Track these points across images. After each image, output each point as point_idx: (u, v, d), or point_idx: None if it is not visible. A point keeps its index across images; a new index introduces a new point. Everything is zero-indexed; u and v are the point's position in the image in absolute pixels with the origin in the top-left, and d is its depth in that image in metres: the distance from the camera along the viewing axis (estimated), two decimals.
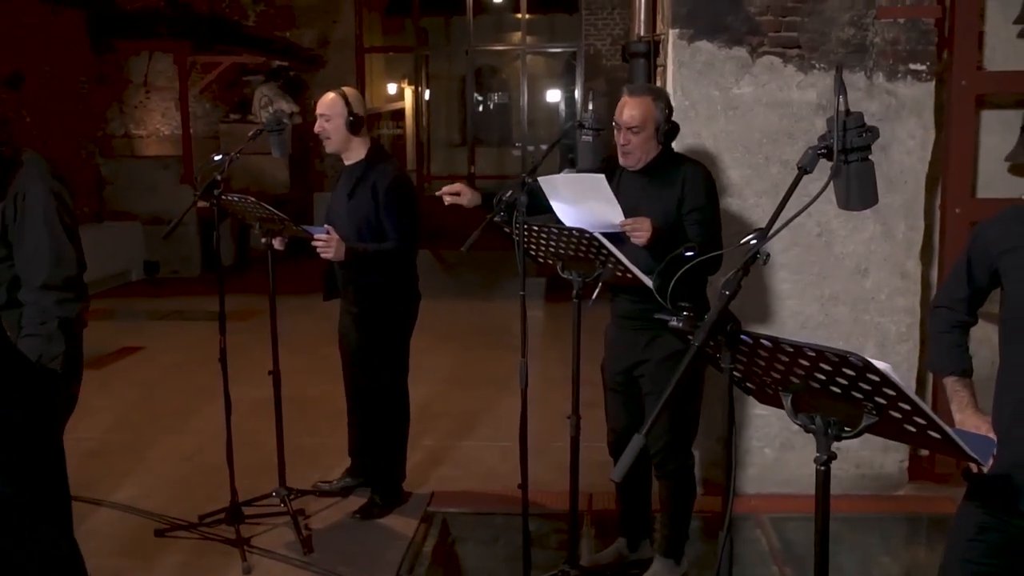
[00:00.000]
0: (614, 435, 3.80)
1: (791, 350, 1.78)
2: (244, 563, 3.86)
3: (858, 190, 1.96)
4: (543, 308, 9.34)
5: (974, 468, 2.50)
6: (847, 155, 1.93)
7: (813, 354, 1.74)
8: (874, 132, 1.94)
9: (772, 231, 1.87)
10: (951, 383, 2.57)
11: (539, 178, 3.34)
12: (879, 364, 1.65)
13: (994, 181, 4.55)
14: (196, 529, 4.16)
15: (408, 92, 17.54)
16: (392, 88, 17.28)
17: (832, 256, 4.36)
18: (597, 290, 3.33)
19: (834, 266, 4.37)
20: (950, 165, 4.42)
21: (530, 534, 3.69)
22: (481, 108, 18.57)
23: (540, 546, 4.14)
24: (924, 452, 4.66)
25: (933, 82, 4.28)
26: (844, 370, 1.73)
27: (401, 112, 17.22)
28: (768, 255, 1.88)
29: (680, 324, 1.90)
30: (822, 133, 2.02)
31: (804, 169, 1.97)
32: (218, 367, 4.14)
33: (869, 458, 4.48)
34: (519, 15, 16.73)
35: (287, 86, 13.03)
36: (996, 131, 4.56)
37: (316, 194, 13.08)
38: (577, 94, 15.40)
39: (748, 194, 4.34)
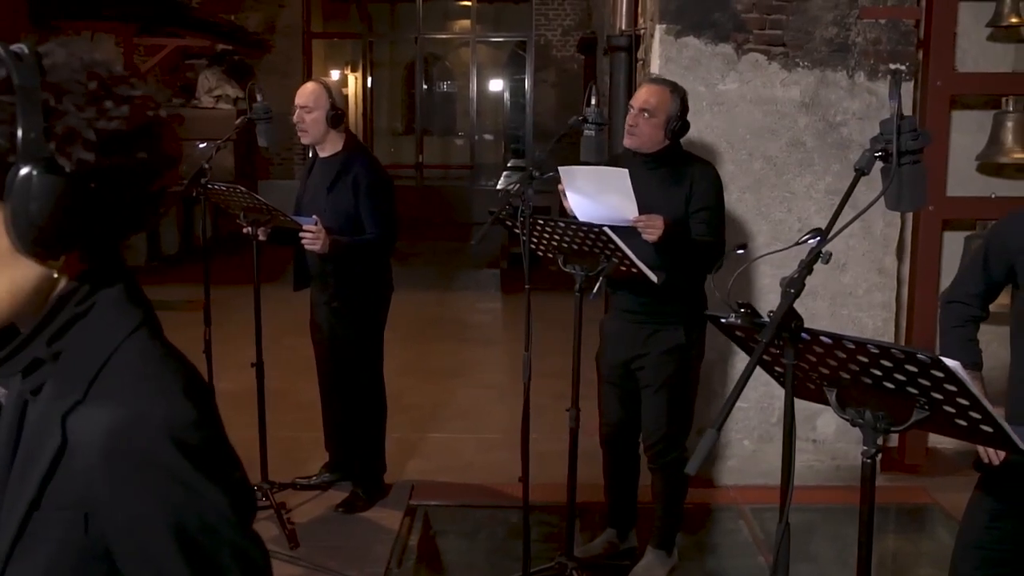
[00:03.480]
0: (608, 428, 3.83)
1: (852, 347, 1.81)
2: None
3: (909, 192, 2.00)
4: (501, 300, 9.34)
5: (985, 459, 2.58)
6: (900, 158, 1.96)
7: (876, 351, 1.78)
8: (926, 136, 1.98)
9: (832, 233, 1.90)
10: None
11: (560, 168, 3.35)
12: (949, 362, 1.69)
13: (963, 180, 4.69)
14: None
15: (352, 79, 17.35)
16: (335, 74, 17.07)
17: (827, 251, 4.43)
18: (599, 284, 3.33)
19: (829, 260, 4.44)
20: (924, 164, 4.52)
21: (519, 526, 3.69)
22: (425, 96, 18.49)
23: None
24: (894, 444, 4.78)
25: (912, 82, 4.38)
26: (907, 366, 1.77)
27: (344, 99, 17.02)
28: (831, 254, 1.91)
29: (736, 321, 1.91)
30: (874, 135, 2.05)
31: (862, 171, 2.01)
32: None
33: (844, 450, 4.57)
34: (464, 3, 16.67)
35: (231, 71, 12.79)
36: (965, 131, 4.69)
37: (261, 181, 12.88)
38: (527, 84, 15.40)
39: (732, 189, 4.39)
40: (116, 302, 1.08)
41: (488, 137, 19.21)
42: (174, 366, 1.08)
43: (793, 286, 1.80)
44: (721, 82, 4.37)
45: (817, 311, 4.49)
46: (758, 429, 4.58)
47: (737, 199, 4.41)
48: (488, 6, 17.31)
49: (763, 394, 4.42)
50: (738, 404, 4.68)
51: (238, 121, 4.04)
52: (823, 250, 1.87)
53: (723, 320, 1.97)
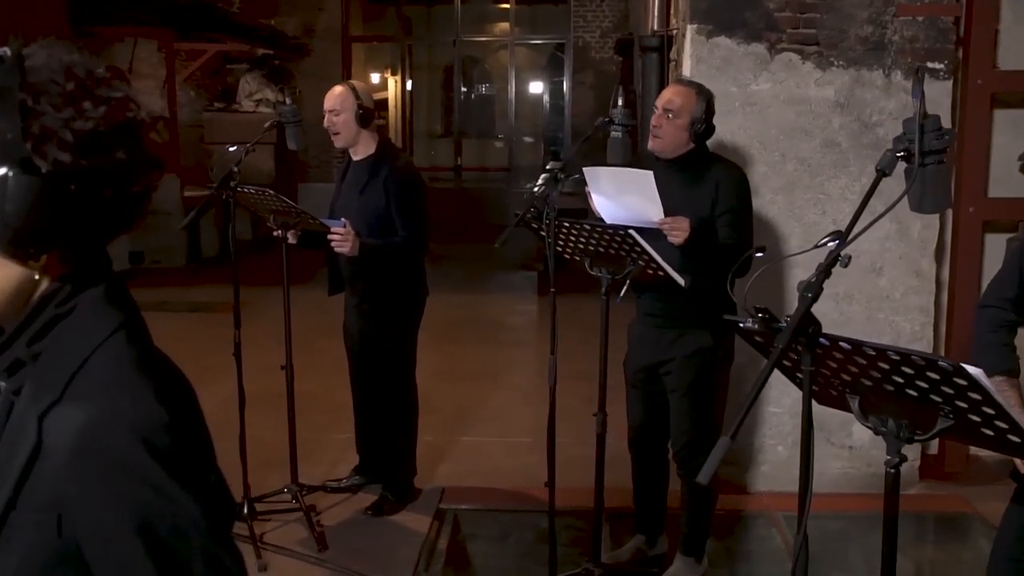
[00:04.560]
0: (635, 432, 3.79)
1: (872, 353, 1.76)
2: (259, 560, 3.80)
3: (932, 193, 1.94)
4: (536, 302, 9.31)
5: (1023, 469, 2.50)
6: (924, 158, 1.90)
7: (897, 357, 1.73)
8: (951, 135, 1.92)
9: (851, 236, 1.85)
10: (997, 383, 2.56)
11: (584, 168, 3.32)
12: (971, 369, 1.64)
13: (1004, 180, 4.57)
14: None
15: (391, 82, 17.42)
16: (375, 78, 17.15)
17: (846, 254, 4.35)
18: (625, 287, 3.30)
19: (848, 264, 4.35)
20: (964, 164, 4.43)
21: (542, 531, 3.67)
22: (462, 99, 18.52)
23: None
24: (933, 451, 4.68)
25: (950, 81, 4.29)
26: (928, 373, 1.71)
27: (383, 102, 17.09)
28: (849, 257, 1.85)
29: (755, 326, 1.87)
30: (897, 135, 2.00)
31: (883, 172, 1.95)
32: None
33: (880, 457, 4.46)
34: (502, 6, 16.66)
35: (271, 74, 12.90)
36: (1005, 130, 4.58)
37: (300, 184, 12.97)
38: (565, 86, 15.36)
39: (764, 191, 4.33)
40: (97, 304, 1.08)
41: (528, 139, 19.17)
42: (150, 370, 1.08)
43: (810, 290, 1.76)
44: (753, 82, 4.30)
45: (852, 315, 4.40)
46: (792, 435, 4.49)
47: (770, 201, 4.34)
48: (527, 8, 17.30)
49: (796, 399, 4.30)
50: (771, 410, 4.63)
51: (267, 124, 4.05)
52: (842, 253, 1.81)
53: (741, 325, 1.92)
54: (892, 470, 1.91)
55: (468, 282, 10.40)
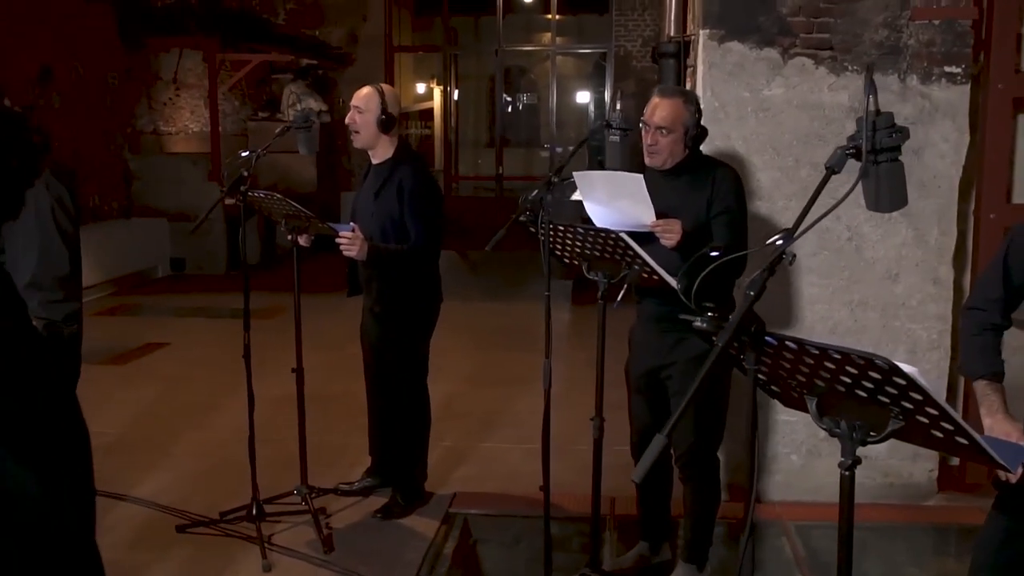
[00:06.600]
0: (638, 437, 3.78)
1: (816, 352, 1.74)
2: (264, 561, 3.85)
3: (888, 191, 1.91)
4: (569, 310, 9.30)
5: (1003, 476, 2.44)
6: (876, 156, 1.88)
7: (839, 356, 1.70)
8: (904, 133, 1.90)
9: (798, 232, 1.83)
10: (981, 387, 2.52)
11: (574, 173, 3.32)
12: (906, 367, 1.61)
13: None
14: (217, 526, 4.15)
15: (437, 92, 17.56)
16: (421, 88, 17.30)
17: (862, 261, 4.30)
18: (622, 292, 3.29)
19: (864, 271, 4.30)
20: (985, 169, 4.34)
21: (551, 537, 3.66)
22: (509, 109, 18.56)
23: (562, 549, 4.11)
24: (955, 462, 4.58)
25: (968, 85, 4.21)
26: (870, 373, 1.69)
27: (430, 112, 17.23)
28: (794, 256, 1.84)
29: (704, 325, 1.86)
30: (851, 133, 1.97)
31: (832, 169, 1.93)
32: (242, 364, 4.13)
33: (897, 467, 4.41)
34: (548, 16, 16.71)
35: (315, 84, 13.07)
36: None
37: (343, 193, 13.10)
38: (607, 95, 15.35)
39: (777, 196, 4.29)
40: None
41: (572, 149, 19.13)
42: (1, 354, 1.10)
43: (752, 288, 1.74)
44: (766, 87, 4.27)
45: (868, 322, 4.34)
46: (806, 443, 4.44)
47: (783, 207, 4.30)
48: (572, 18, 17.30)
49: None
50: (785, 418, 4.57)
51: (278, 130, 4.12)
52: (787, 251, 1.80)
53: (694, 324, 1.91)
54: (847, 472, 1.89)
55: (505, 290, 10.43)
